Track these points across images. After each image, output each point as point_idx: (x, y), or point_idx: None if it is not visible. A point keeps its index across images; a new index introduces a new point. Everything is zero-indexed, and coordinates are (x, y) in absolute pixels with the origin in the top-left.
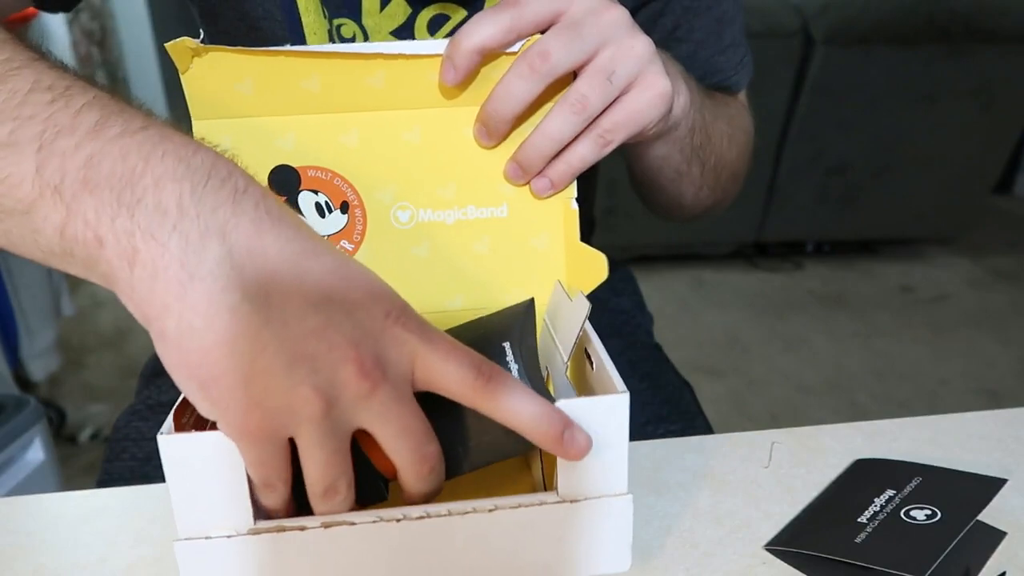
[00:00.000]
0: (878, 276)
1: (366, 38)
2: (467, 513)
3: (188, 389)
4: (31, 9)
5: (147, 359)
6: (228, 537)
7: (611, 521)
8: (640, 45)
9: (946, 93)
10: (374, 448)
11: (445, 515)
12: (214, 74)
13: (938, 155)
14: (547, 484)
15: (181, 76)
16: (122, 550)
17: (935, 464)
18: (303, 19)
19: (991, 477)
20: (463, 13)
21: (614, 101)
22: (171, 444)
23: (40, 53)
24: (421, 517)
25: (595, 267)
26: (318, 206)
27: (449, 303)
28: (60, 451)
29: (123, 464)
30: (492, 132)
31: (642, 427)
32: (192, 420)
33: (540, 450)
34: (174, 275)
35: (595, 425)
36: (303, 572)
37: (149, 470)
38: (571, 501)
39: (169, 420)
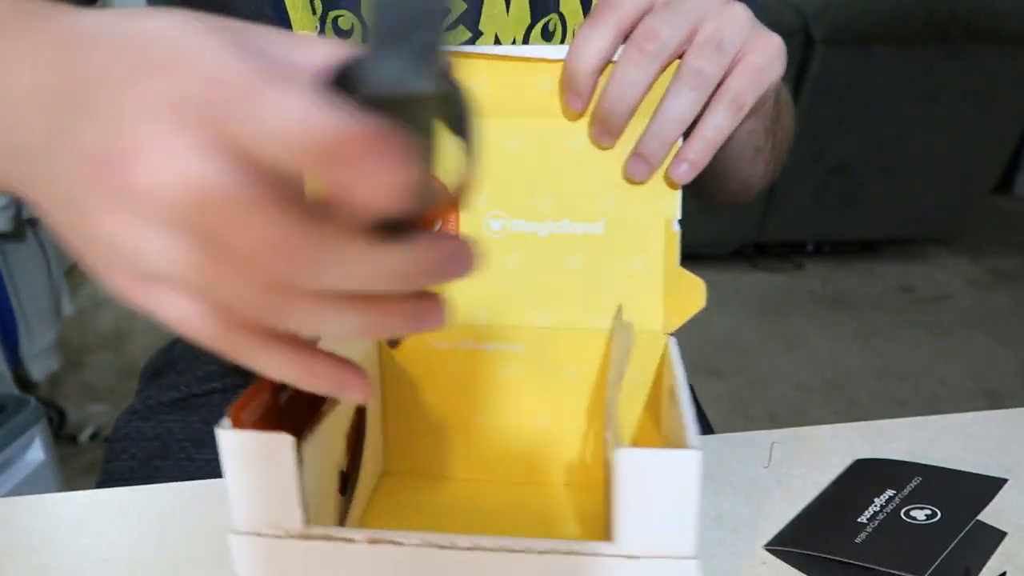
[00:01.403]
0: (878, 276)
1: (365, 28)
2: (517, 552)
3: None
4: None
5: (147, 359)
6: (277, 537)
7: None
8: (739, 11)
9: (946, 93)
10: None
11: (495, 550)
12: None
13: (938, 155)
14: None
15: None
16: (122, 550)
17: (935, 464)
18: (291, 15)
19: (991, 477)
20: (463, 5)
21: (734, 67)
22: (228, 439)
23: None
24: (470, 548)
25: (693, 294)
26: None
27: (535, 319)
28: (60, 451)
29: (123, 464)
30: (612, 129)
31: None
32: (253, 419)
33: (606, 493)
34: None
35: (661, 479)
36: None
37: (149, 470)
38: (629, 557)
39: (227, 417)
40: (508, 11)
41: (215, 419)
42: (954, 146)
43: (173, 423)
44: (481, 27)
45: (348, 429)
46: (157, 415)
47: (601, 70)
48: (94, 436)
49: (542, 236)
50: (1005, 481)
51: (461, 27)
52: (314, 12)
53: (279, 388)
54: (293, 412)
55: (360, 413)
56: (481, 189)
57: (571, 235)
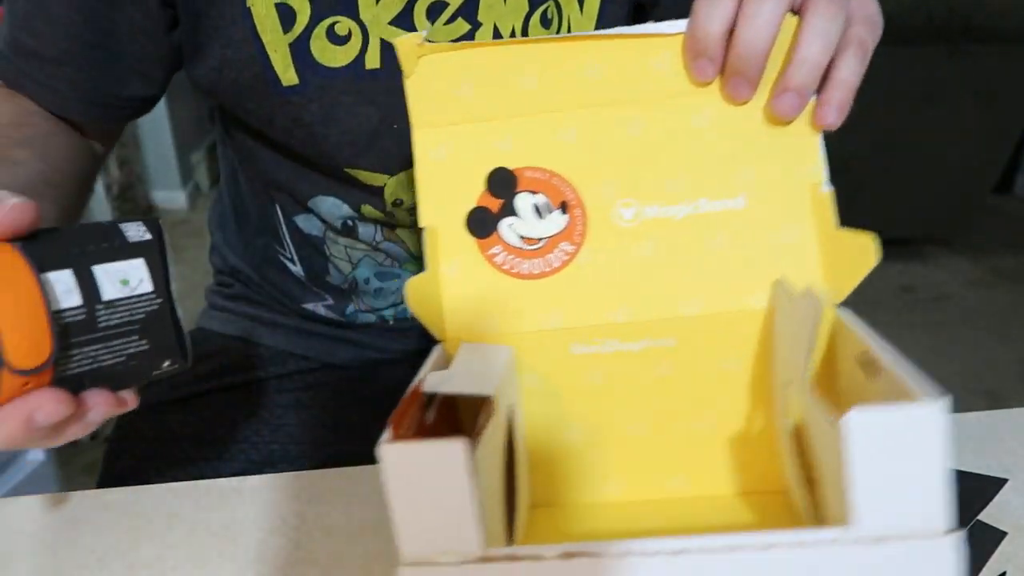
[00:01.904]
0: (878, 276)
1: (364, 33)
2: (734, 549)
3: None
4: None
5: None
6: (456, 564)
7: (932, 572)
8: None
9: (946, 93)
10: None
11: (706, 551)
12: (436, 77)
13: (938, 155)
14: (819, 517)
15: (405, 80)
16: (122, 550)
17: None
18: (263, 38)
19: (991, 477)
20: None
21: (851, 16)
22: (393, 453)
23: None
24: (678, 552)
25: (861, 253)
26: (536, 207)
27: (683, 309)
28: (60, 451)
29: (123, 464)
30: (752, 77)
31: None
32: (411, 432)
33: (806, 472)
34: None
35: (904, 445)
36: None
37: (149, 470)
38: (875, 539)
39: (388, 430)
40: (505, 0)
41: (215, 418)
42: (954, 146)
43: (173, 423)
44: (480, 18)
45: (503, 444)
46: (157, 415)
47: (728, 32)
48: (94, 436)
49: (679, 219)
50: (1005, 481)
51: (460, 19)
52: (287, 31)
53: (425, 405)
54: (441, 433)
55: (509, 429)
56: (608, 179)
57: (710, 214)
